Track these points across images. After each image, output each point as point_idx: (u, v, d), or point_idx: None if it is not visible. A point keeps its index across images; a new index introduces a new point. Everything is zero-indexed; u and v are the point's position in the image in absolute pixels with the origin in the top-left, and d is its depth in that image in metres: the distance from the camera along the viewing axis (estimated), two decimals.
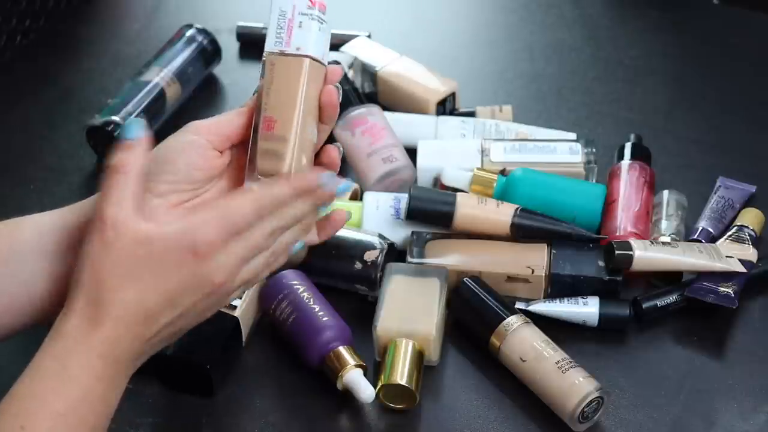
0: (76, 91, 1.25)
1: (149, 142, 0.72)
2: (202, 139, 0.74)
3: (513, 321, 0.90)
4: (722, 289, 0.94)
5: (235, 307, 0.91)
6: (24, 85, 1.25)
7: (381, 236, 0.97)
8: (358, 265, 0.95)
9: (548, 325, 0.92)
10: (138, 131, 0.71)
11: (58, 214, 0.76)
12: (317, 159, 0.76)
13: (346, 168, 1.09)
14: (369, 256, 0.94)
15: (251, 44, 1.29)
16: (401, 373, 0.87)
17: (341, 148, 0.77)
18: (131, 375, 0.71)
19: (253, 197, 0.72)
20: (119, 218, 0.69)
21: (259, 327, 0.95)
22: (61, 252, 0.74)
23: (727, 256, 0.95)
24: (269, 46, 0.74)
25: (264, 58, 0.74)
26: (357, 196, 1.06)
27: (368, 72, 1.19)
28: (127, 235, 0.69)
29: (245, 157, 0.75)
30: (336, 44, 1.23)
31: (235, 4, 1.39)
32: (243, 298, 0.92)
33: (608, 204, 1.02)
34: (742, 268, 0.95)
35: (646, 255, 0.93)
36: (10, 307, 0.75)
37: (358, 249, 0.95)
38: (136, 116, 1.13)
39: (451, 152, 1.06)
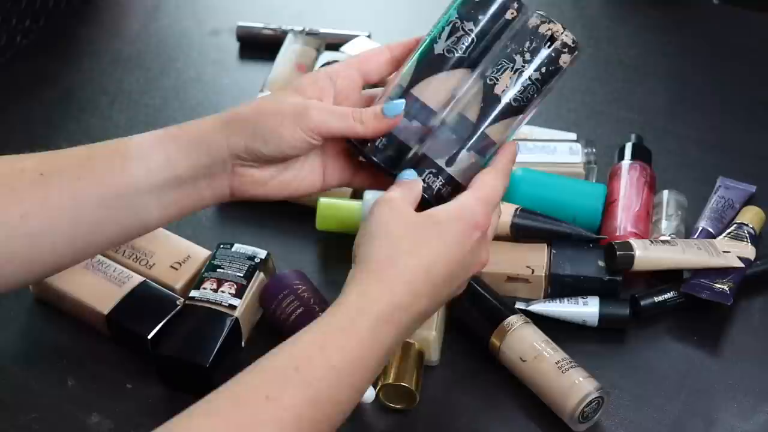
0: (76, 91, 1.25)
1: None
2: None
3: (513, 321, 0.90)
4: (717, 285, 0.94)
5: (235, 307, 0.91)
6: (24, 85, 1.25)
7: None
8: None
9: (548, 325, 0.92)
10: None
11: (161, 147, 0.77)
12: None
13: None
14: None
15: (251, 44, 1.29)
16: (401, 373, 0.87)
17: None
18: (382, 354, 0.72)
19: (499, 173, 0.77)
20: (404, 200, 0.75)
21: (259, 327, 0.95)
22: (169, 186, 0.77)
23: (723, 251, 0.95)
24: None
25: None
26: (357, 195, 1.06)
27: None
28: (411, 210, 0.74)
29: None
30: (336, 44, 1.23)
31: (235, 4, 1.39)
32: (243, 298, 0.92)
33: (608, 204, 1.01)
34: (739, 263, 0.95)
35: (647, 254, 0.93)
36: (126, 235, 0.79)
37: None
38: None
39: None
